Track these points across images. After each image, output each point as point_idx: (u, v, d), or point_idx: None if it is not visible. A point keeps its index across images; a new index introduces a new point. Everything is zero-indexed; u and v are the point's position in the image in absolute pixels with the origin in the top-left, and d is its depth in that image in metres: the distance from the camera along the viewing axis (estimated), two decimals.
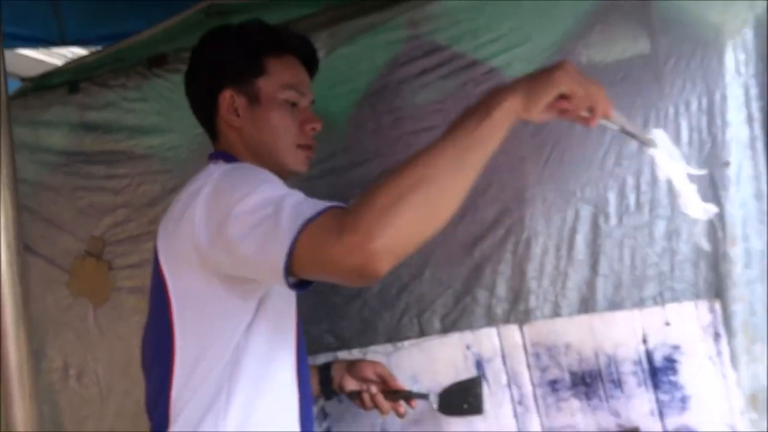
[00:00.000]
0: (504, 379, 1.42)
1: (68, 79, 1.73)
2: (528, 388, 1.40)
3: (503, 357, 1.42)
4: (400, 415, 1.33)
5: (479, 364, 1.43)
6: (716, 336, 1.31)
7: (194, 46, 1.18)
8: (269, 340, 1.04)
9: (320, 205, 0.85)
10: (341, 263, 0.80)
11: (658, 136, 1.11)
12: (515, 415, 1.41)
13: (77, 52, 1.87)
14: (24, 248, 1.69)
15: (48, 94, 1.74)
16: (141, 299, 1.63)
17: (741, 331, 1.31)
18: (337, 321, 1.53)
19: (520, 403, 1.41)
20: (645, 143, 1.12)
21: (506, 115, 0.88)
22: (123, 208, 1.70)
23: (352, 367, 1.36)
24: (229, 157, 1.12)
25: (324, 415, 1.51)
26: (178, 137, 1.66)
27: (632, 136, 1.10)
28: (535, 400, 1.40)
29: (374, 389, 1.31)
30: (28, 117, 1.75)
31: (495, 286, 1.43)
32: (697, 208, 1.14)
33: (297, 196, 0.90)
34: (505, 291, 1.43)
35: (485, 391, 1.41)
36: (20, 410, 1.50)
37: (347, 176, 1.51)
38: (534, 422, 1.40)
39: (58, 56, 2.59)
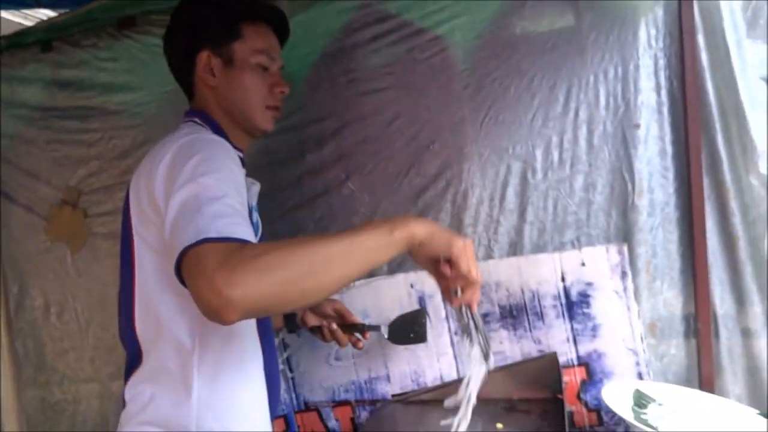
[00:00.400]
0: (443, 313, 1.61)
1: (40, 38, 1.78)
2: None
3: (444, 301, 1.60)
4: (359, 348, 1.48)
5: (422, 300, 1.61)
6: (623, 274, 1.51)
7: (175, 7, 1.23)
8: None
9: (229, 229, 0.87)
10: (200, 296, 0.82)
11: (491, 362, 1.07)
12: (452, 343, 1.61)
13: (51, 15, 1.92)
14: (4, 197, 1.81)
15: (22, 52, 1.80)
16: (115, 244, 1.70)
17: (644, 270, 1.52)
18: None
19: (456, 333, 1.60)
20: (483, 352, 1.07)
21: (404, 242, 0.96)
22: (96, 160, 1.79)
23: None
24: (203, 115, 1.20)
25: (284, 346, 1.68)
26: (148, 94, 1.75)
27: (471, 337, 1.06)
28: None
29: (333, 325, 1.44)
30: (4, 73, 1.82)
31: None
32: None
33: (222, 204, 0.91)
34: None
35: (428, 326, 1.59)
36: None
37: (304, 132, 1.65)
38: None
39: (33, 19, 2.61)
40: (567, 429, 1.23)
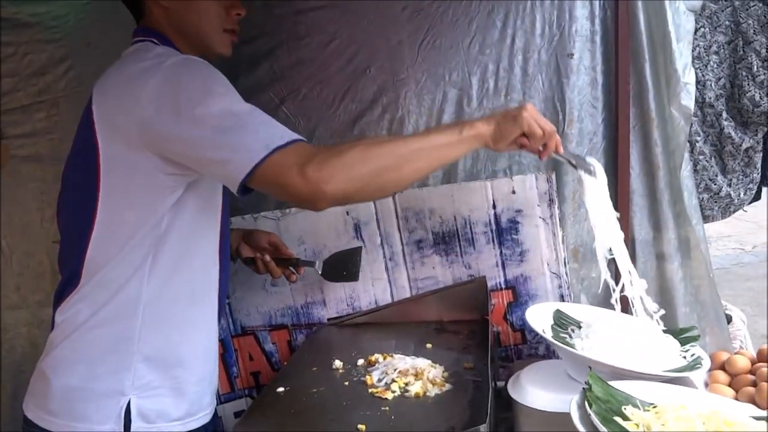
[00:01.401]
0: (378, 240, 1.63)
1: None
2: (398, 247, 1.63)
3: (378, 221, 1.63)
4: (292, 281, 1.50)
5: (357, 227, 1.63)
6: (550, 202, 1.57)
7: None
8: (196, 216, 1.12)
9: (288, 134, 0.99)
10: (296, 191, 0.98)
11: (597, 166, 1.26)
12: (387, 269, 1.64)
13: None
14: None
15: None
16: (37, 167, 1.66)
17: (570, 198, 1.59)
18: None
19: (391, 259, 1.64)
20: (587, 171, 1.25)
21: (473, 141, 1.09)
22: (10, 78, 1.66)
23: (248, 236, 1.48)
24: (160, 36, 1.15)
25: None
26: (65, 6, 1.62)
27: (575, 166, 1.25)
28: (404, 256, 1.64)
29: (267, 257, 1.44)
30: None
31: None
32: (605, 239, 1.27)
33: (262, 114, 1.02)
34: None
35: (363, 252, 1.61)
36: None
37: (236, 52, 1.57)
38: (402, 275, 1.64)
39: None
40: (490, 347, 1.30)
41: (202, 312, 1.18)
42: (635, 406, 0.95)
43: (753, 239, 5.78)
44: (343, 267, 1.52)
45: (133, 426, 1.07)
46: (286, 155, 0.97)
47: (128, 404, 1.07)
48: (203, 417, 1.21)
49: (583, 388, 0.95)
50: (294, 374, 1.33)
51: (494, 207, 1.58)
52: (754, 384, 1.30)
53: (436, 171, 1.07)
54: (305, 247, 1.63)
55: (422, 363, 1.27)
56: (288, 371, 1.37)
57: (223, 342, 1.69)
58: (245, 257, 1.47)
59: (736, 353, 1.45)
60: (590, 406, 0.90)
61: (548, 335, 1.24)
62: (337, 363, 1.35)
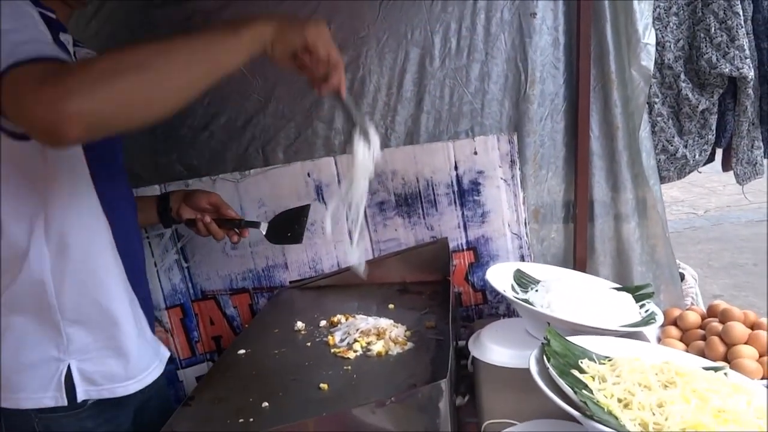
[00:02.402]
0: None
1: None
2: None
3: (339, 182, 1.60)
4: (234, 243, 1.42)
5: (319, 189, 1.61)
6: (512, 163, 1.58)
7: None
8: (65, 167, 1.02)
9: (39, 51, 0.80)
10: (29, 115, 0.76)
11: (375, 138, 1.09)
12: (349, 232, 1.63)
13: None
14: None
15: None
16: None
17: (531, 159, 1.59)
18: (186, 151, 1.60)
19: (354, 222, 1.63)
20: (365, 135, 1.08)
21: (253, 40, 0.90)
22: None
23: (188, 197, 1.41)
24: None
25: (178, 236, 1.64)
26: None
27: (354, 123, 1.08)
28: (367, 218, 1.63)
29: (208, 218, 1.37)
30: None
31: (333, 119, 1.58)
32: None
33: (24, 34, 0.83)
34: (341, 124, 1.57)
35: (327, 215, 1.58)
36: None
37: (188, 6, 1.51)
38: (365, 237, 1.63)
39: None
40: (451, 306, 1.30)
41: (114, 266, 1.11)
42: (591, 359, 0.97)
43: (705, 204, 5.97)
44: (287, 228, 1.43)
45: (79, 390, 1.04)
46: (24, 72, 0.77)
47: (69, 369, 1.03)
48: (156, 369, 1.17)
49: (542, 343, 0.96)
50: (255, 337, 1.32)
51: (456, 168, 1.58)
52: (704, 338, 1.35)
53: (210, 84, 0.86)
54: (265, 210, 1.60)
55: (384, 323, 1.28)
56: (249, 334, 1.35)
57: (183, 306, 1.67)
58: (186, 219, 1.40)
59: (687, 309, 1.49)
60: (548, 360, 0.92)
61: (509, 294, 1.25)
62: (299, 324, 1.34)
